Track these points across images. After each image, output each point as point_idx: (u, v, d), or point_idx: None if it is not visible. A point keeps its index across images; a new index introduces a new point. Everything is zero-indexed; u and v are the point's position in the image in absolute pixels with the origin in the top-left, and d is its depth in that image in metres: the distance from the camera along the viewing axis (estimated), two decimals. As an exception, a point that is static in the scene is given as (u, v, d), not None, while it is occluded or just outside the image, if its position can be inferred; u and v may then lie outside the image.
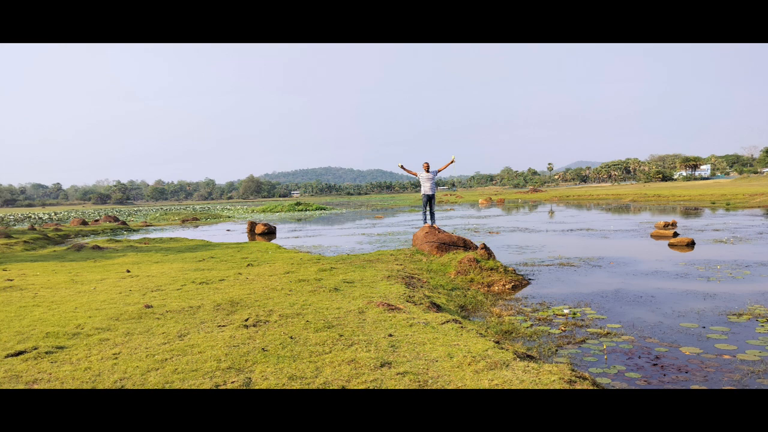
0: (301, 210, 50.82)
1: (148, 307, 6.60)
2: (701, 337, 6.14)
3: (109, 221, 36.21)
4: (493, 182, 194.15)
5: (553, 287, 9.40)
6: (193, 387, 3.81)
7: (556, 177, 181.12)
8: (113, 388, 3.86)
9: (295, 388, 3.72)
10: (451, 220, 28.11)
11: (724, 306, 7.57)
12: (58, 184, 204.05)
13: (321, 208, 53.37)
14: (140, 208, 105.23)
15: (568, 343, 6.05)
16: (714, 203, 36.31)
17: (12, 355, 4.62)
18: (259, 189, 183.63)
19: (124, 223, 35.89)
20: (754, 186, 53.38)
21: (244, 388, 3.77)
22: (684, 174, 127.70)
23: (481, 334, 5.38)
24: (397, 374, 3.93)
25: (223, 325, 5.63)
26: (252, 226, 25.22)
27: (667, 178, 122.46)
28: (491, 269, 9.87)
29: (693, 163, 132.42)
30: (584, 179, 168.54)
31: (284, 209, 53.29)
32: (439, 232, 12.60)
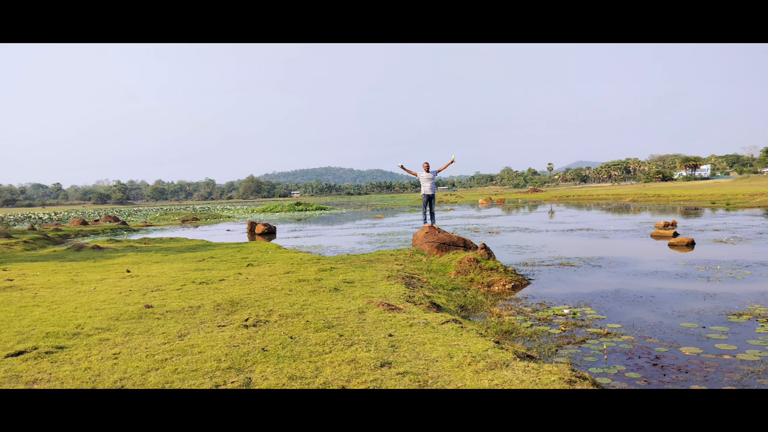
0: (301, 210, 50.82)
1: (148, 307, 6.60)
2: (701, 337, 6.14)
3: (109, 221, 36.21)
4: (493, 182, 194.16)
5: (553, 287, 9.40)
6: (193, 387, 3.81)
7: (556, 177, 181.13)
8: (113, 388, 3.86)
9: (295, 388, 3.72)
10: (451, 220, 28.11)
11: (724, 306, 7.57)
12: (58, 184, 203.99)
13: (321, 208, 53.36)
14: (140, 208, 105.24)
15: (568, 343, 6.05)
16: (714, 203, 36.32)
17: (12, 355, 4.62)
18: (259, 189, 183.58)
19: (124, 223, 35.90)
20: (754, 186, 53.39)
21: (244, 388, 3.77)
22: (684, 174, 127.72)
23: (481, 334, 5.38)
24: (397, 374, 3.93)
25: (223, 325, 5.63)
26: (252, 226, 25.22)
27: (667, 178, 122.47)
28: (491, 269, 9.87)
29: (693, 163, 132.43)
30: (584, 179, 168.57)
31: (284, 209, 53.29)
32: (439, 232, 12.60)
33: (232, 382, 3.86)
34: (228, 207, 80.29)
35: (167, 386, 3.84)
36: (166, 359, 4.45)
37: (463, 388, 3.70)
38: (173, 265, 11.47)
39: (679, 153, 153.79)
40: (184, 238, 20.97)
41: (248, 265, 11.08)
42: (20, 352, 4.69)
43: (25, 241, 20.78)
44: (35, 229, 27.18)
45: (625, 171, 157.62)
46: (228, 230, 28.58)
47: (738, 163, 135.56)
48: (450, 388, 3.71)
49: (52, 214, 67.76)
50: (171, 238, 21.02)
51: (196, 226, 33.86)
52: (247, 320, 5.75)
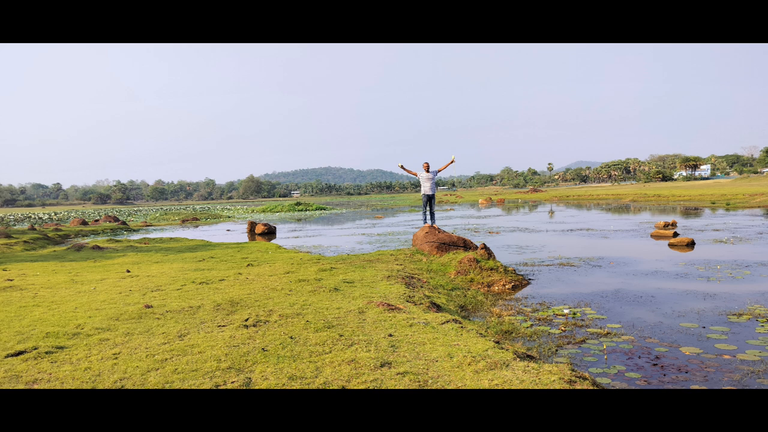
0: (301, 210, 50.82)
1: (148, 307, 6.60)
2: (701, 337, 6.14)
3: (109, 221, 36.21)
4: (493, 182, 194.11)
5: (553, 287, 9.40)
6: (193, 387, 3.81)
7: (556, 177, 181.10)
8: (113, 388, 3.86)
9: (295, 388, 3.72)
10: (451, 220, 28.11)
11: (724, 306, 7.57)
12: (58, 184, 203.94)
13: (321, 208, 53.35)
14: (140, 208, 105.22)
15: (568, 343, 6.05)
16: (714, 203, 36.32)
17: (12, 355, 4.61)
18: (259, 189, 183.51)
19: (124, 223, 35.89)
20: (754, 186, 53.39)
21: (244, 388, 3.77)
22: (684, 174, 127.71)
23: (481, 334, 5.38)
24: (397, 374, 3.93)
25: (223, 325, 5.63)
26: (252, 226, 25.21)
27: (667, 178, 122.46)
28: (491, 269, 9.87)
29: (693, 163, 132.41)
30: (584, 179, 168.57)
31: (284, 209, 53.29)
32: (439, 232, 12.60)
33: (232, 382, 3.86)
34: (228, 207, 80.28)
35: (167, 386, 3.84)
36: (166, 359, 4.45)
37: (463, 388, 3.70)
38: (173, 265, 11.46)
39: (679, 153, 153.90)
40: (184, 238, 20.97)
41: (248, 265, 11.08)
42: (20, 352, 4.69)
43: (25, 241, 20.77)
44: (35, 229, 27.17)
45: (625, 171, 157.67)
46: (228, 230, 28.58)
47: (738, 163, 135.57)
48: (450, 388, 3.71)
49: (52, 214, 67.73)
50: (171, 238, 21.02)
51: (196, 226, 33.86)
52: (247, 320, 5.75)
